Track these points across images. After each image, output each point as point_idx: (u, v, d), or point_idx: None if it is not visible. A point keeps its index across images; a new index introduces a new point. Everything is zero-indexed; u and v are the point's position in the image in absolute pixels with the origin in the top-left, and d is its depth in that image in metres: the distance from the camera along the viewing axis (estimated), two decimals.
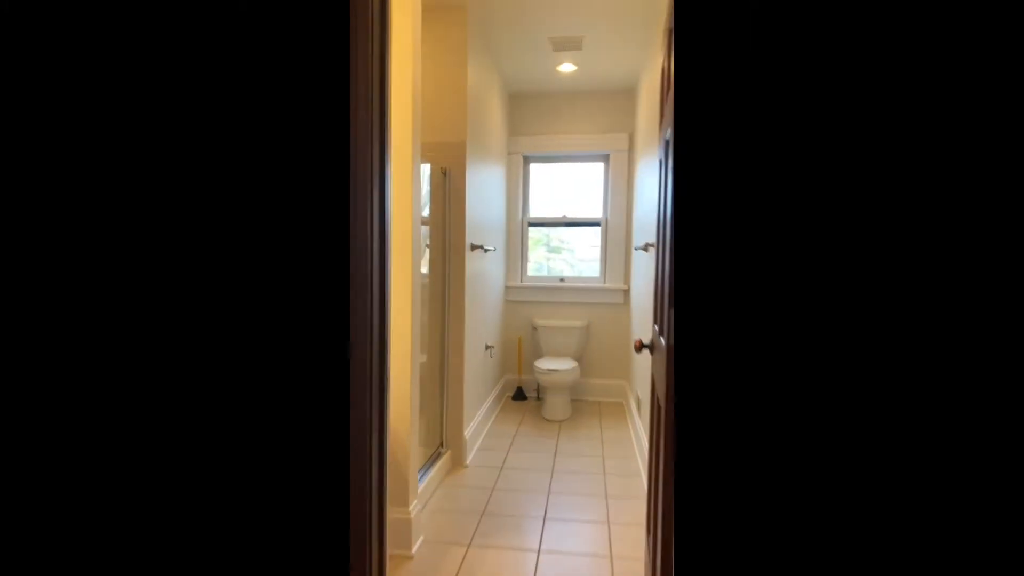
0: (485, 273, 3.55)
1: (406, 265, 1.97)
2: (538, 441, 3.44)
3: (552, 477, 2.87)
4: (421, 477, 2.63)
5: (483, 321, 3.54)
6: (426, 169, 2.89)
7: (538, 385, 4.09)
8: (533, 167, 4.51)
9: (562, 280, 4.43)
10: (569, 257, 4.57)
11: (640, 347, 1.55)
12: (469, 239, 3.03)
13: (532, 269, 4.55)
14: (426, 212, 2.90)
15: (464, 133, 2.89)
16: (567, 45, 3.34)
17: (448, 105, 2.89)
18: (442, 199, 2.91)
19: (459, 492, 2.68)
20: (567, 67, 3.73)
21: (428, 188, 2.91)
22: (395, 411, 2.00)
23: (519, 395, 4.36)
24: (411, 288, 1.99)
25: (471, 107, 3.00)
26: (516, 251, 4.44)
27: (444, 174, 2.89)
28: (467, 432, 3.12)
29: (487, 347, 3.65)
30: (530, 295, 4.41)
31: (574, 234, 4.53)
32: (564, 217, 4.48)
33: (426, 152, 2.91)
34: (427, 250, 2.91)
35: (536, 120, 4.36)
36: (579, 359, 4.30)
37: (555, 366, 3.80)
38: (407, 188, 1.96)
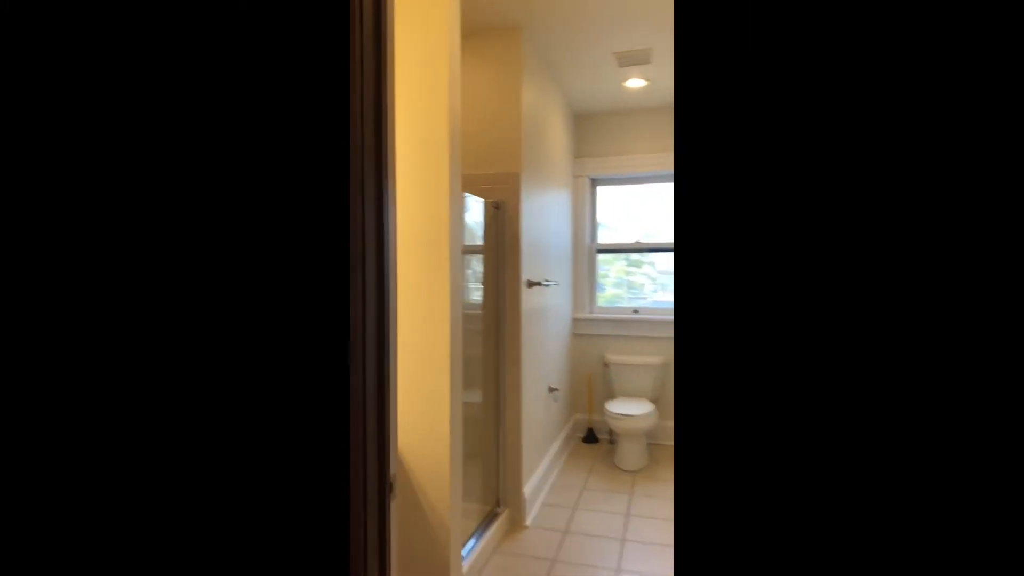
0: (546, 309, 3.28)
1: (442, 298, 1.75)
2: (609, 497, 3.08)
3: (623, 548, 2.51)
4: (475, 541, 2.37)
5: (544, 361, 3.25)
6: (479, 203, 2.68)
7: (610, 428, 3.72)
8: (601, 190, 4.20)
9: (636, 312, 4.05)
10: (650, 271, 4.20)
11: None
12: (525, 275, 2.78)
13: (611, 284, 4.22)
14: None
15: (519, 163, 2.66)
16: (634, 59, 3.04)
17: (501, 134, 2.68)
18: (495, 234, 2.68)
19: (516, 564, 2.39)
20: (635, 83, 3.42)
21: (482, 221, 2.70)
22: (430, 468, 1.77)
23: (590, 437, 4.01)
24: (448, 324, 1.76)
25: (527, 134, 2.77)
26: (584, 280, 4.13)
27: (497, 208, 2.67)
28: (527, 487, 2.83)
29: (551, 389, 3.36)
30: (601, 328, 4.07)
31: (650, 257, 4.15)
32: (637, 243, 4.12)
33: (478, 185, 2.71)
34: (481, 284, 2.69)
35: (603, 140, 4.06)
36: (656, 400, 3.88)
37: (629, 410, 3.43)
38: (443, 220, 1.75)
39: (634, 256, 4.19)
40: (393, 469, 1.09)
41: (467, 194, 2.69)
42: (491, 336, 2.72)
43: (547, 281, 3.10)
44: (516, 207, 2.67)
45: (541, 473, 3.08)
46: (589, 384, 4.09)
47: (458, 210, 1.82)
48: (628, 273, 4.25)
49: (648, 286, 4.18)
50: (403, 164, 1.78)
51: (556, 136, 3.47)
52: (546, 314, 3.26)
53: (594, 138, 4.07)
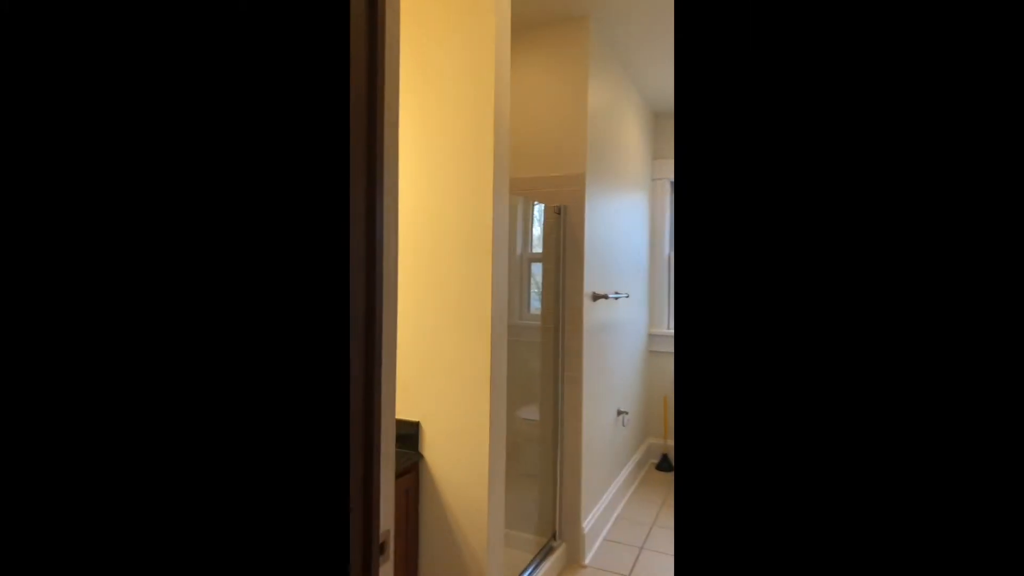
0: (616, 323, 3.00)
1: (483, 308, 1.56)
2: None
3: None
4: None
5: (613, 381, 2.97)
6: (538, 208, 2.48)
7: None
8: None
9: None
10: None
11: None
12: (590, 287, 2.54)
13: None
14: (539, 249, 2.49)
15: (583, 164, 2.43)
16: None
17: (565, 133, 2.46)
18: (556, 241, 2.47)
19: None
20: None
21: (541, 227, 2.50)
22: (465, 497, 1.58)
23: (664, 464, 3.66)
24: (489, 335, 1.57)
25: (593, 133, 2.53)
26: (661, 293, 3.80)
27: (558, 213, 2.46)
28: (588, 520, 2.57)
29: (619, 412, 3.07)
30: None
31: None
32: None
33: (539, 188, 2.51)
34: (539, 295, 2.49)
35: None
36: None
37: None
38: (485, 225, 1.57)
39: None
40: (385, 526, 0.91)
41: (524, 198, 2.49)
42: (550, 350, 2.50)
43: (616, 294, 2.83)
44: (580, 212, 2.44)
45: (605, 504, 2.80)
46: (665, 406, 3.74)
47: (504, 215, 1.63)
48: None
49: None
50: (442, 167, 1.62)
51: (630, 136, 3.19)
52: (616, 329, 2.99)
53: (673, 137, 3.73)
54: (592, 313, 2.59)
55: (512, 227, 2.97)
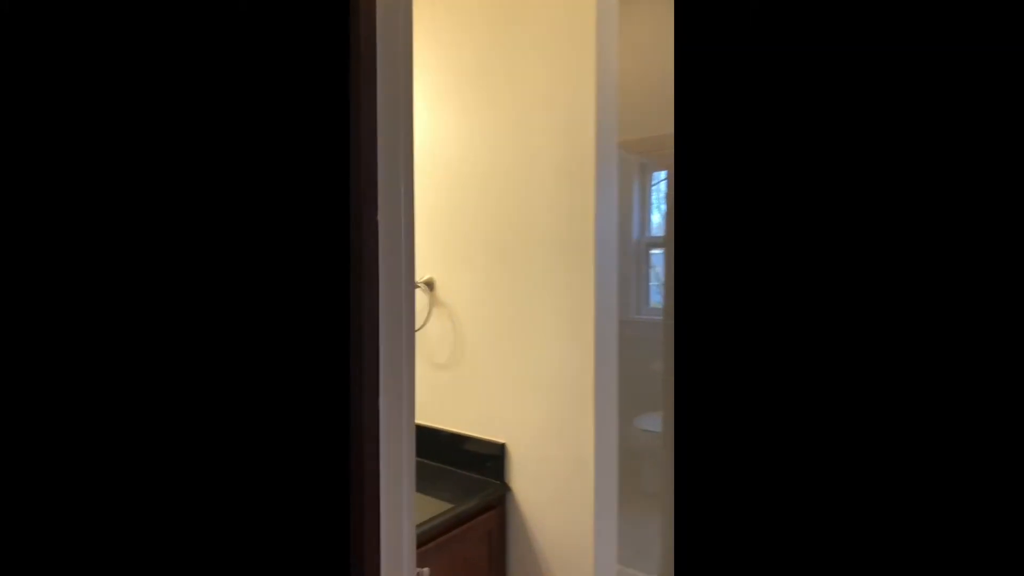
0: None
1: (585, 306, 1.14)
2: None
3: None
4: None
5: None
6: (657, 176, 2.01)
7: None
8: None
9: None
10: None
11: None
12: None
13: None
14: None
15: None
16: None
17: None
18: None
19: None
20: None
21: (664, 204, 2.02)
22: (564, 530, 1.16)
23: None
24: (592, 338, 1.14)
25: None
26: None
27: None
28: None
29: None
30: None
31: None
32: None
33: (661, 150, 2.03)
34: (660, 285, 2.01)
35: None
36: None
37: None
38: (586, 208, 1.15)
39: None
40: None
41: (640, 160, 2.03)
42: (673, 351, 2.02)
43: None
44: None
45: None
46: None
47: (611, 184, 1.20)
48: None
49: None
50: (524, 125, 1.22)
51: None
52: None
53: None
54: None
55: (625, 201, 2.51)
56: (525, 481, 1.24)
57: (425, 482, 1.27)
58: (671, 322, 2.04)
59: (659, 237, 2.15)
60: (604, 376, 1.18)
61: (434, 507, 1.16)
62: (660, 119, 2.05)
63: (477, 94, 1.30)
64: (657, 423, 2.12)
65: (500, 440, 1.27)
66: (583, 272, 1.15)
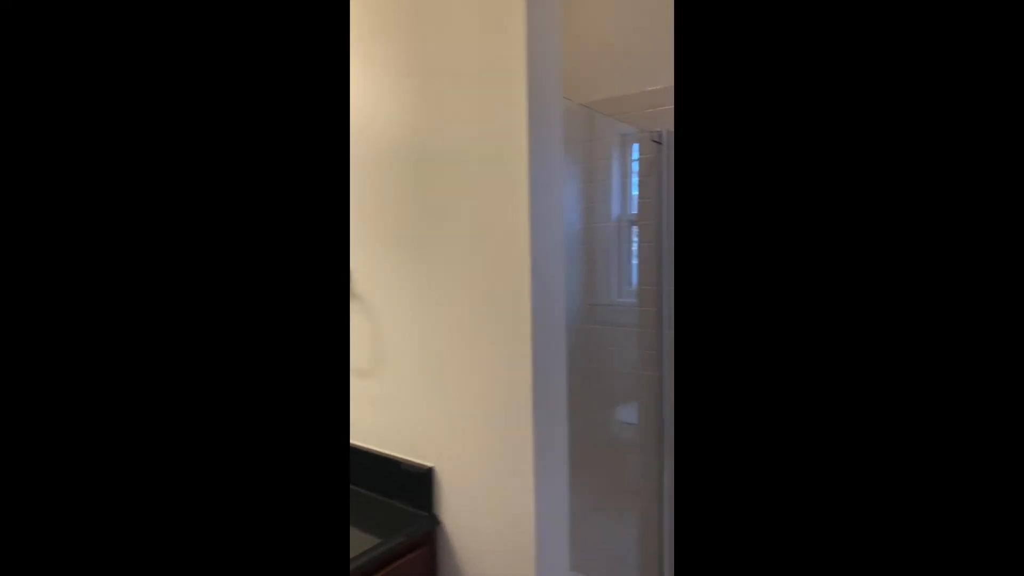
0: None
1: (521, 301, 0.90)
2: None
3: None
4: None
5: None
6: (627, 138, 1.76)
7: None
8: None
9: None
10: None
11: None
12: None
13: None
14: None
15: None
16: None
17: (659, 30, 1.70)
18: (656, 183, 1.73)
19: None
20: None
21: (633, 169, 1.78)
22: (504, 558, 0.95)
23: None
24: (530, 341, 0.91)
25: None
26: None
27: (658, 142, 1.71)
28: None
29: None
30: None
31: None
32: None
33: (627, 110, 1.78)
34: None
35: None
36: None
37: None
38: (519, 191, 0.90)
39: None
40: None
41: (624, 131, 1.78)
42: (652, 336, 1.80)
43: None
44: None
45: None
46: None
47: (548, 173, 0.94)
48: None
49: None
50: (451, 119, 0.96)
51: None
52: None
53: None
54: None
55: (602, 176, 2.26)
56: (457, 512, 1.01)
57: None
58: (649, 304, 1.82)
59: (633, 216, 1.92)
60: (545, 383, 0.94)
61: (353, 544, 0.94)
62: (620, 75, 1.79)
63: (389, 60, 1.04)
64: (632, 415, 1.92)
65: (427, 463, 1.04)
66: (517, 264, 0.91)
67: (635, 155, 1.85)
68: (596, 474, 2.06)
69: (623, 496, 2.02)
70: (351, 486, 1.16)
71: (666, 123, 1.70)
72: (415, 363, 1.05)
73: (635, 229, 1.89)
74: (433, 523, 1.03)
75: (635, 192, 1.85)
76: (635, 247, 1.87)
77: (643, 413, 1.90)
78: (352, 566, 0.90)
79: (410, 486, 1.06)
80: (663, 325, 1.78)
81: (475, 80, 0.93)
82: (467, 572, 1.01)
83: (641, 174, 1.77)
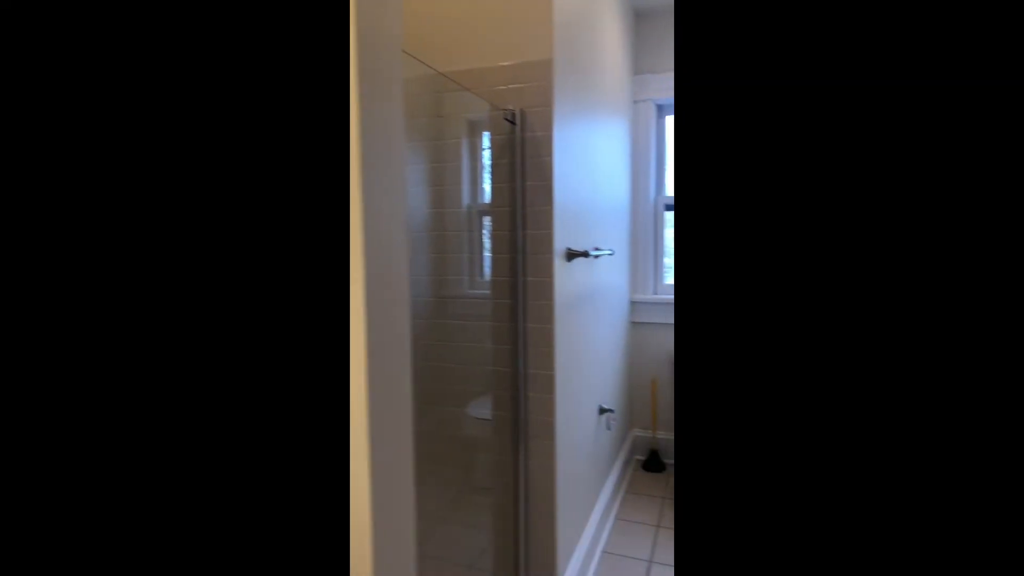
0: (599, 290, 2.20)
1: (353, 297, 0.70)
2: None
3: None
4: None
5: (595, 368, 2.19)
6: (478, 113, 1.61)
7: None
8: (671, 121, 3.03)
9: None
10: None
11: None
12: (562, 242, 1.70)
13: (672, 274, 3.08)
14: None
15: (548, 45, 1.56)
16: None
17: (519, 4, 1.57)
18: (509, 167, 1.61)
19: None
20: None
21: (481, 150, 1.64)
22: None
23: (653, 463, 2.95)
24: (363, 340, 0.71)
25: (560, 7, 1.65)
26: (647, 249, 3.01)
27: (512, 121, 1.58)
28: (571, 564, 1.80)
29: (603, 410, 2.29)
30: (669, 314, 2.95)
31: None
32: None
33: (483, 84, 1.63)
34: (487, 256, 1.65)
35: (673, 50, 2.86)
36: None
37: None
38: (351, 168, 0.69)
39: None
40: None
41: (466, 93, 1.61)
42: (506, 329, 1.69)
43: (597, 250, 2.01)
44: (547, 120, 1.57)
45: (592, 532, 2.04)
46: (653, 391, 3.00)
47: (390, 134, 0.74)
48: None
49: None
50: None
51: (609, 35, 2.32)
52: (598, 298, 2.18)
53: (661, 47, 2.88)
54: (567, 277, 1.76)
55: (446, 154, 2.09)
56: None
57: None
58: (503, 296, 1.70)
59: (486, 204, 1.78)
60: (387, 384, 0.75)
61: None
62: (472, 48, 1.63)
63: None
64: (486, 410, 1.79)
65: None
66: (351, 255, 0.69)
67: (487, 135, 1.71)
68: (447, 475, 1.91)
69: (475, 496, 1.90)
70: None
71: (520, 101, 1.58)
72: None
73: (487, 217, 1.76)
74: None
75: (487, 175, 1.72)
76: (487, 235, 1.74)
77: (497, 409, 1.79)
78: None
79: None
80: (519, 318, 1.68)
81: None
82: None
83: (494, 157, 1.63)
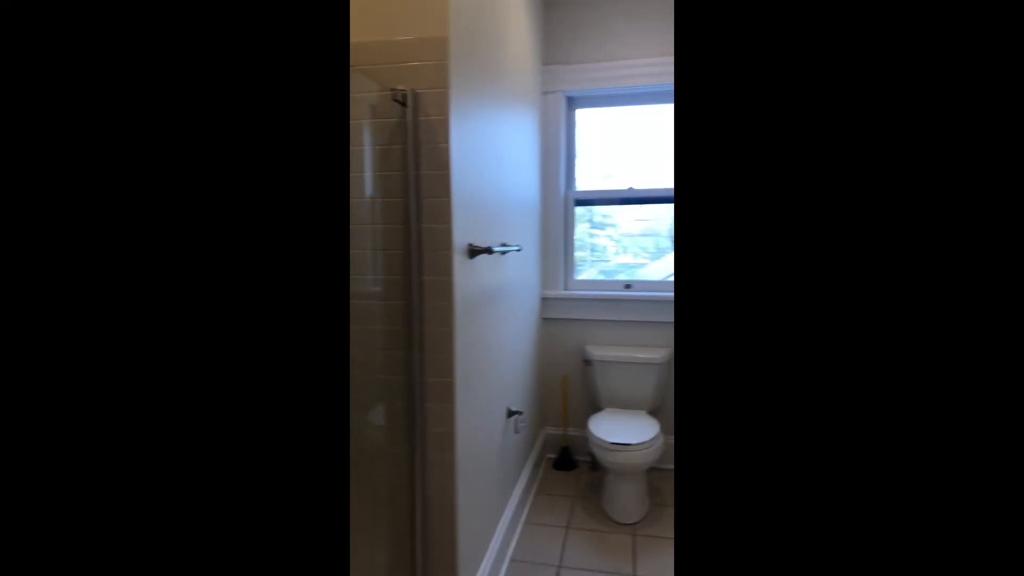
0: (506, 288, 2.09)
1: None
2: None
3: None
4: None
5: (501, 369, 2.08)
6: (361, 94, 1.44)
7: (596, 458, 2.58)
8: (581, 114, 2.98)
9: (628, 287, 2.91)
10: (614, 231, 3.13)
11: None
12: (463, 237, 1.57)
13: (584, 268, 3.05)
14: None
15: (443, 21, 1.41)
16: None
17: None
18: (401, 154, 1.45)
19: None
20: None
21: (369, 135, 1.46)
22: None
23: (564, 461, 2.91)
24: None
25: None
26: (557, 245, 2.95)
27: (402, 103, 1.42)
28: (480, 573, 1.69)
29: (511, 413, 2.20)
30: (580, 310, 2.91)
31: (638, 212, 3.01)
32: (630, 189, 2.94)
33: (370, 59, 1.45)
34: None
35: (584, 41, 2.81)
36: (657, 410, 2.78)
37: (625, 436, 2.32)
38: None
39: (602, 210, 3.04)
40: None
41: (358, 73, 1.42)
42: (401, 331, 1.53)
43: (504, 247, 1.90)
44: (442, 104, 1.42)
45: (498, 545, 1.94)
46: (564, 388, 2.95)
47: None
48: (591, 235, 3.11)
49: (612, 250, 3.08)
50: None
51: (516, 21, 2.21)
52: (505, 296, 2.08)
53: (571, 36, 2.81)
54: (469, 276, 1.63)
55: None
56: None
57: None
58: (396, 296, 1.55)
59: (370, 199, 1.61)
60: None
61: None
62: (387, 20, 1.45)
63: None
64: (380, 418, 1.64)
65: None
66: None
67: (365, 113, 1.54)
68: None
69: (371, 512, 1.74)
70: None
71: (414, 81, 1.42)
72: None
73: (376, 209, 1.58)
74: None
75: (370, 163, 1.54)
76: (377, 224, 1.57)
77: (392, 420, 1.63)
78: None
79: None
80: (413, 321, 1.53)
81: None
82: None
83: (383, 142, 1.46)
